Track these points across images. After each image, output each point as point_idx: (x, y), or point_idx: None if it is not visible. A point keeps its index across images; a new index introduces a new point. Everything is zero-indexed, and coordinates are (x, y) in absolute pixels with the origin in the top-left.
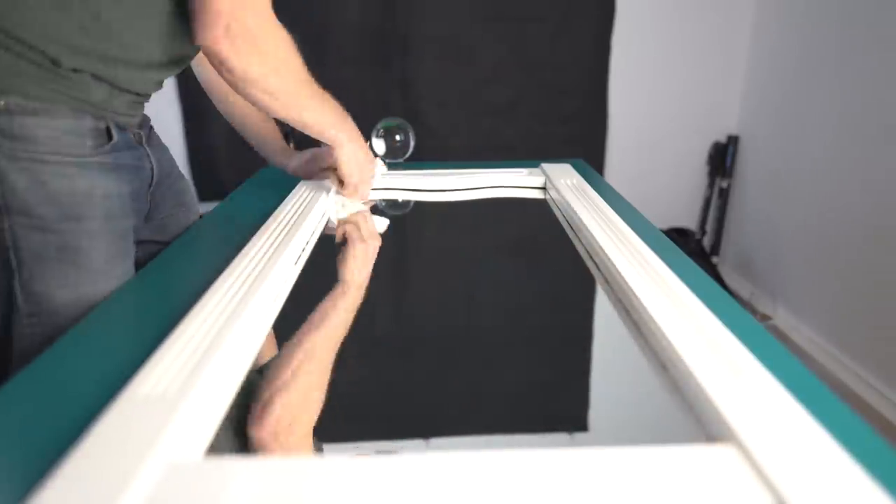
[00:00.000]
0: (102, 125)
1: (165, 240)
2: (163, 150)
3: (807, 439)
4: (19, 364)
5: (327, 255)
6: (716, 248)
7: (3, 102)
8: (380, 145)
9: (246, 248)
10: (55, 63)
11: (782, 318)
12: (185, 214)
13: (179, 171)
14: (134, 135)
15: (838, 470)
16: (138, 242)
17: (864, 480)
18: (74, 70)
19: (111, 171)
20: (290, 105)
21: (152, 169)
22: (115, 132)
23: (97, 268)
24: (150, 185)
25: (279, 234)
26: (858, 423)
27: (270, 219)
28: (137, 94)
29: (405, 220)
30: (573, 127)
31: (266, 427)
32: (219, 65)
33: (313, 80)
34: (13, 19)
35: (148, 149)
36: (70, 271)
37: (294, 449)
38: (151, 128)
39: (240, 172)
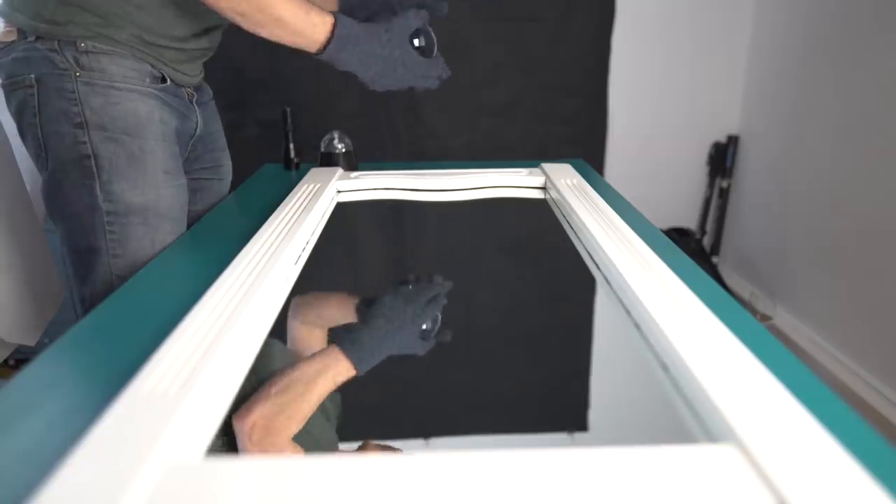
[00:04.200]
0: (158, 73)
1: (195, 200)
2: (213, 117)
3: (807, 439)
4: (98, 258)
5: (328, 254)
6: (716, 248)
7: (83, 45)
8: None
9: (246, 248)
10: (111, 23)
11: (782, 318)
12: (217, 184)
13: (224, 144)
14: (187, 93)
15: (839, 470)
16: None
17: (864, 480)
18: (123, 28)
19: (165, 104)
20: (261, 22)
21: (197, 123)
22: (168, 80)
23: (158, 176)
24: (192, 136)
25: (280, 234)
26: (859, 423)
27: (271, 218)
28: (182, 51)
29: (405, 220)
30: (573, 127)
31: (245, 423)
32: None
33: None
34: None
35: (197, 108)
36: (138, 177)
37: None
38: (212, 98)
39: (240, 172)
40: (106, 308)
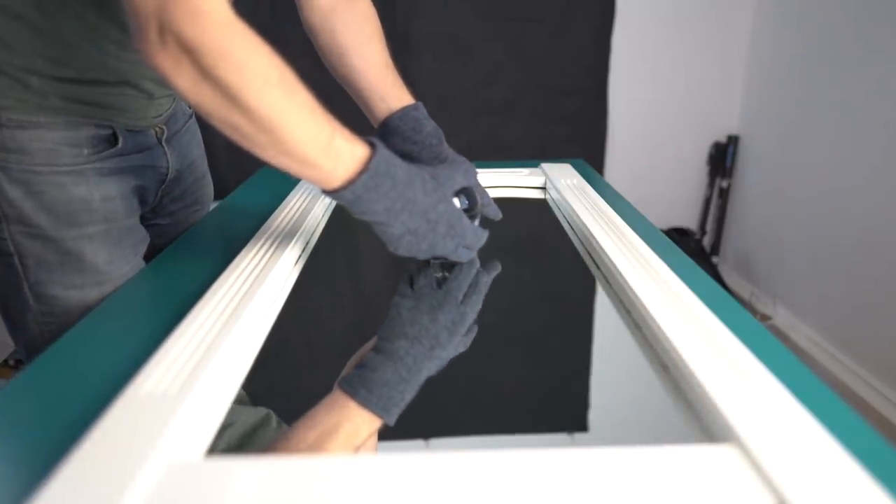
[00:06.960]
0: (106, 132)
1: (173, 237)
2: (191, 142)
3: (808, 439)
4: (37, 349)
5: (327, 255)
6: (716, 248)
7: None
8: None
9: (246, 249)
10: (43, 79)
11: (782, 318)
12: (196, 215)
13: (204, 169)
14: (156, 132)
15: (839, 470)
16: (151, 226)
17: (864, 480)
18: (61, 80)
19: (112, 174)
20: (261, 143)
21: (168, 167)
22: (121, 137)
23: (101, 269)
24: (163, 182)
25: (279, 235)
26: (859, 423)
27: (270, 219)
28: (147, 97)
29: None
30: (573, 127)
31: None
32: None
33: (307, 102)
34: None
35: (167, 147)
36: (74, 275)
37: None
38: (191, 115)
39: (240, 173)
40: (107, 308)
